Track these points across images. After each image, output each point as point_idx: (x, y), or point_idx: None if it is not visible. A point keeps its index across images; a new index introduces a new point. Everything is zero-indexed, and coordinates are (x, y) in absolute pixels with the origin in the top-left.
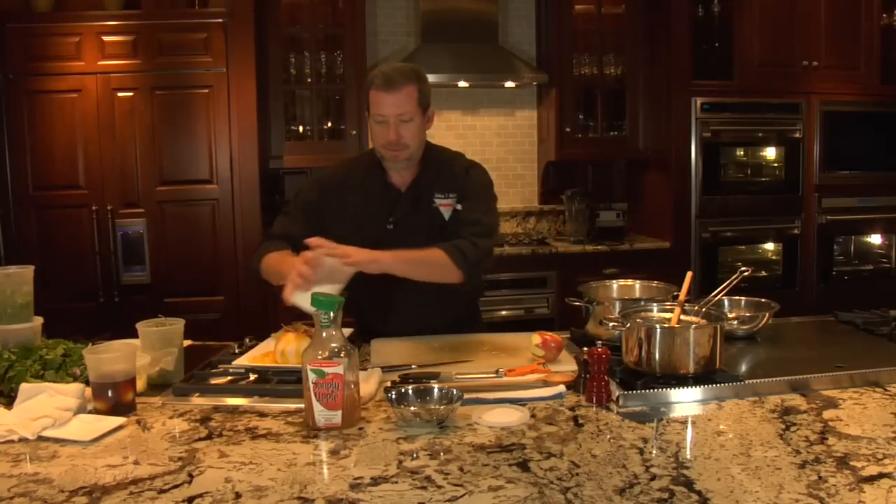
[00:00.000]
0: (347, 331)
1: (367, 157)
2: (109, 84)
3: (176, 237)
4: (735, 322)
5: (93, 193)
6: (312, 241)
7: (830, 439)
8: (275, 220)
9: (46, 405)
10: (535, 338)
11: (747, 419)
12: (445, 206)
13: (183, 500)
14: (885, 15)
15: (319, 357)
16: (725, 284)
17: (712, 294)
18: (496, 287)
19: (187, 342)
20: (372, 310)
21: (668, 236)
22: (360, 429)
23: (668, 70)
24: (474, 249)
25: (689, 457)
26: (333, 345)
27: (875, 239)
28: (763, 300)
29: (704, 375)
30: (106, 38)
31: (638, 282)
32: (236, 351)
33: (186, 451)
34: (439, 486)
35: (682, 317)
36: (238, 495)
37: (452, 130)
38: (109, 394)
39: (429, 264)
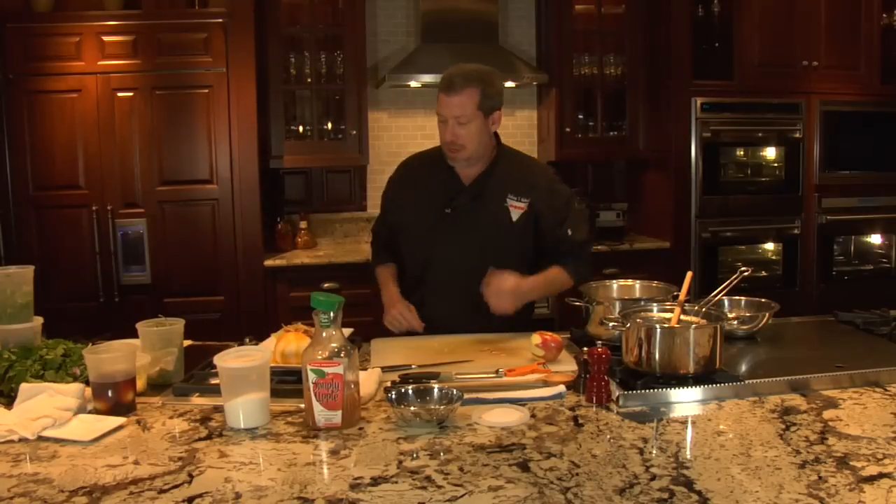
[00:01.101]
0: (347, 331)
1: (438, 149)
2: (109, 84)
3: (176, 237)
4: (735, 322)
5: (93, 193)
6: None
7: (830, 439)
8: None
9: (46, 405)
10: (535, 338)
11: (747, 419)
12: (517, 208)
13: (183, 500)
14: (885, 15)
15: (319, 357)
16: (725, 284)
17: (712, 294)
18: None
19: (187, 342)
20: (427, 303)
21: (668, 236)
22: (360, 429)
23: (668, 70)
24: (588, 268)
25: (689, 457)
26: (333, 345)
27: (875, 239)
28: (763, 300)
29: (704, 375)
30: (106, 38)
31: (638, 282)
32: None
33: (186, 451)
34: (439, 486)
35: (682, 317)
36: (238, 495)
37: None
38: (109, 394)
39: (557, 291)
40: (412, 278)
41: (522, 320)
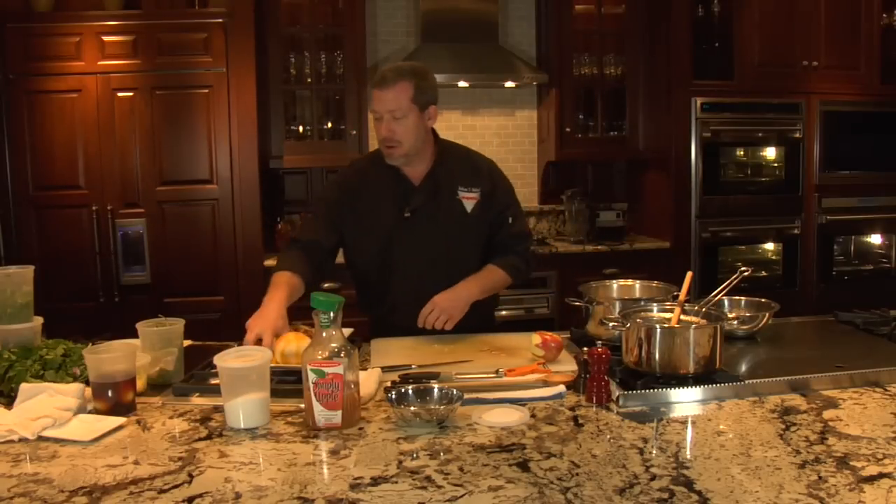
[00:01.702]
0: (347, 331)
1: (380, 153)
2: (109, 84)
3: (176, 237)
4: (735, 322)
5: (93, 193)
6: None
7: (830, 439)
8: (303, 222)
9: (46, 405)
10: (535, 338)
11: (747, 419)
12: (469, 199)
13: (183, 500)
14: (885, 15)
15: (319, 357)
16: (725, 284)
17: (712, 294)
18: None
19: (187, 342)
20: (399, 308)
21: (668, 236)
22: (360, 429)
23: (668, 70)
24: (527, 265)
25: (689, 457)
26: (333, 345)
27: (875, 239)
28: (763, 300)
29: (704, 375)
30: (106, 38)
31: (638, 282)
32: None
33: (186, 451)
34: (439, 486)
35: (682, 317)
36: (238, 495)
37: (452, 130)
38: (109, 394)
39: (498, 286)
40: (376, 287)
41: (488, 318)
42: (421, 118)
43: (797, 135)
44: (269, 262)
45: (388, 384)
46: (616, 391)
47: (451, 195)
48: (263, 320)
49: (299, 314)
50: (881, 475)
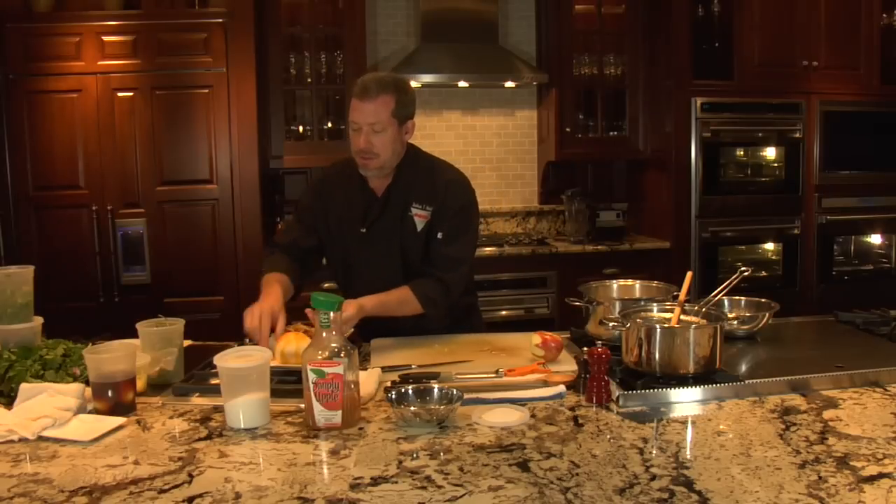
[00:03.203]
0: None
1: (353, 163)
2: (109, 84)
3: (176, 237)
4: (735, 322)
5: (93, 193)
6: None
7: (830, 439)
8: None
9: (46, 405)
10: (535, 338)
11: (747, 419)
12: (420, 216)
13: (183, 500)
14: (885, 15)
15: (319, 357)
16: (725, 284)
17: (712, 294)
18: (496, 287)
19: (187, 342)
20: (374, 323)
21: (668, 236)
22: (360, 429)
23: (668, 70)
24: (442, 292)
25: (689, 457)
26: (333, 345)
27: (875, 239)
28: (763, 300)
29: (704, 375)
30: (106, 38)
31: (638, 282)
32: None
33: (186, 451)
34: (439, 486)
35: (682, 317)
36: (238, 495)
37: (452, 130)
38: (109, 394)
39: (399, 306)
40: (345, 294)
41: (459, 322)
42: (399, 132)
43: (797, 135)
44: None
45: (388, 384)
46: (616, 391)
47: (405, 212)
48: (261, 305)
49: (299, 314)
50: (881, 475)
